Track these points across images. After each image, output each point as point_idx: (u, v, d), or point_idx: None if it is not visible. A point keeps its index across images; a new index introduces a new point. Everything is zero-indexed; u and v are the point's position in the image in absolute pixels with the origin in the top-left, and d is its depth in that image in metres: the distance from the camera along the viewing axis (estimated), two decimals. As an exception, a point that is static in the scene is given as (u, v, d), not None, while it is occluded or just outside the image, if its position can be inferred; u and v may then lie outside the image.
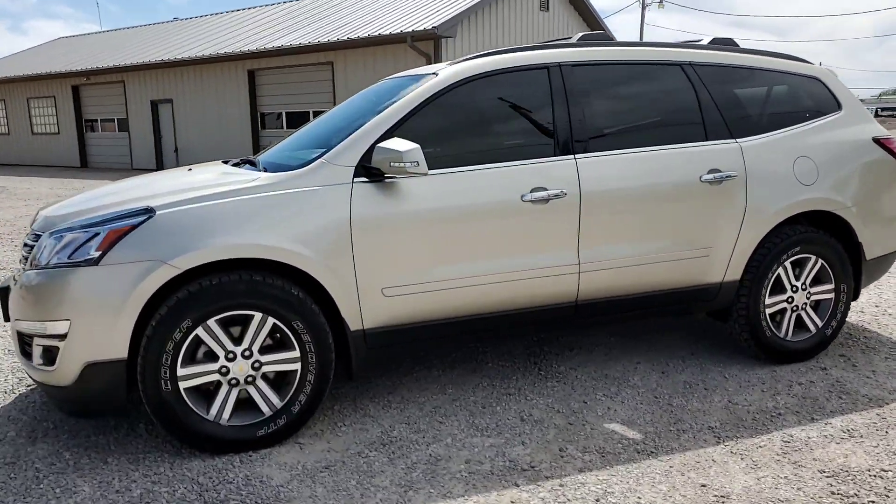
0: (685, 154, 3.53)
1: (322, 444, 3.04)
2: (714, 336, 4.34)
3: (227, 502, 2.59)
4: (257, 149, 18.27)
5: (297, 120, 17.43)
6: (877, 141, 3.98)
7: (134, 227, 2.76)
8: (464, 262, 3.16)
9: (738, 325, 3.77)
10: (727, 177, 3.56)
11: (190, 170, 3.60)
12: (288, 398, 2.97)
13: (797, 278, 3.81)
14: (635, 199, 3.42)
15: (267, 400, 2.96)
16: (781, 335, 3.82)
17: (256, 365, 2.92)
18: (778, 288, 3.78)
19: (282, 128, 17.88)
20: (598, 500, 2.56)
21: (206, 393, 2.92)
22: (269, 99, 18.03)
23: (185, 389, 2.83)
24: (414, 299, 3.12)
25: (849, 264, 3.89)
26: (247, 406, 2.98)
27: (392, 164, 2.89)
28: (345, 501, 2.59)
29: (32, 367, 2.89)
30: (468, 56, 3.48)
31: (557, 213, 3.27)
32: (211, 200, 2.87)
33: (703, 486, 2.66)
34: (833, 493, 2.59)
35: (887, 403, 3.35)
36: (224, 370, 2.88)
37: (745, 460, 2.84)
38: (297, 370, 2.97)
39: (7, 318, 3.20)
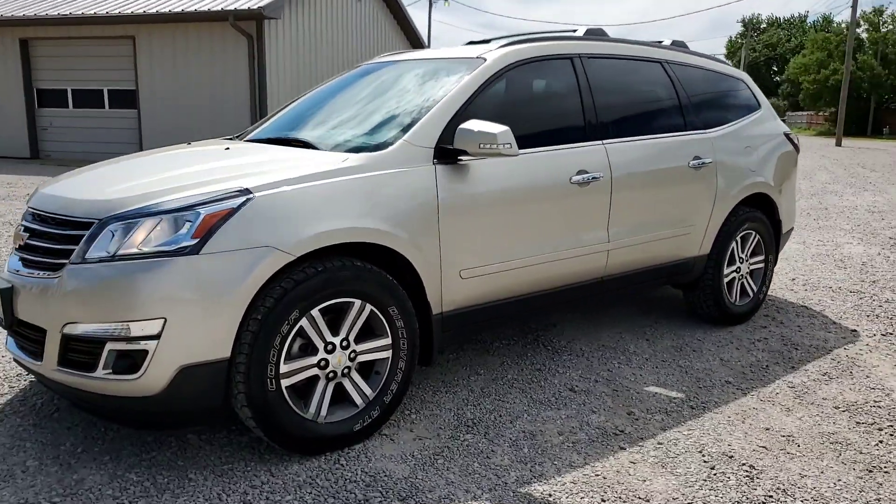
0: (677, 142, 3.95)
1: (406, 433, 2.95)
2: (658, 307, 4.87)
3: (368, 502, 2.44)
4: (33, 128, 15.90)
5: (89, 99, 15.49)
6: (786, 135, 4.77)
7: (234, 210, 2.46)
8: (525, 242, 3.26)
9: (704, 294, 4.31)
10: (705, 163, 4.05)
11: (227, 149, 3.21)
12: (380, 388, 2.85)
13: (742, 251, 4.45)
14: (647, 182, 3.76)
15: (360, 391, 2.81)
16: (733, 301, 4.44)
17: (352, 355, 2.75)
18: (731, 260, 4.39)
19: (68, 107, 15.76)
20: (700, 452, 2.85)
21: (298, 390, 2.69)
22: (49, 73, 15.74)
23: (286, 388, 2.59)
24: (485, 280, 3.15)
25: (773, 238, 4.62)
26: (334, 400, 2.79)
27: (483, 145, 2.88)
28: (486, 483, 2.58)
29: (91, 378, 2.44)
30: (502, 42, 3.54)
31: (595, 194, 3.50)
32: (308, 182, 2.64)
33: (767, 429, 3.07)
34: (858, 423, 3.16)
35: (830, 350, 4.08)
36: (323, 363, 2.68)
37: (776, 406, 3.32)
38: (388, 358, 2.85)
39: (9, 324, 2.65)
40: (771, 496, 2.54)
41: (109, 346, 2.38)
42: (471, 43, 4.21)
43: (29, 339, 2.65)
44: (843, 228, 8.33)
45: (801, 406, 3.32)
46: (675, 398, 3.37)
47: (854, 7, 27.88)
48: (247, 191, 2.51)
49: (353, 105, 3.57)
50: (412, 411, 3.16)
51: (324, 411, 2.71)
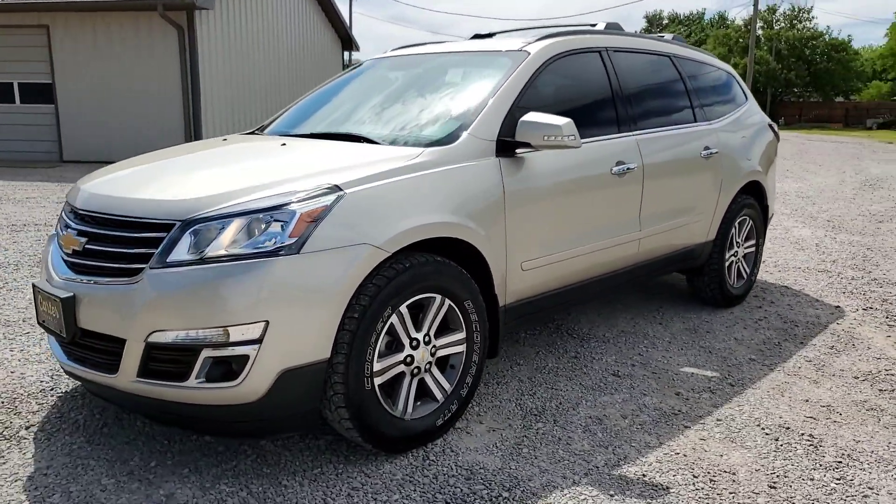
0: (691, 133, 4.12)
1: (478, 426, 2.96)
2: (658, 293, 5.05)
3: (476, 495, 2.44)
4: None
5: (-2, 93, 14.39)
6: (769, 125, 5.05)
7: (328, 207, 2.39)
8: (575, 233, 3.33)
9: (710, 278, 4.51)
10: (713, 153, 4.24)
11: (284, 144, 3.09)
12: (456, 381, 2.84)
13: (739, 236, 4.69)
14: (670, 173, 3.91)
15: (440, 386, 2.79)
16: (732, 284, 4.67)
17: (433, 350, 2.74)
18: (730, 245, 4.61)
19: (-29, 102, 14.58)
20: (759, 426, 3.01)
21: (385, 388, 2.65)
22: (-51, 66, 14.51)
23: (378, 386, 2.55)
24: (542, 271, 3.19)
25: (763, 222, 4.90)
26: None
27: (547, 137, 2.92)
28: (578, 468, 2.63)
29: (181, 388, 2.32)
30: (539, 35, 3.56)
31: (630, 185, 3.60)
32: (392, 178, 2.60)
33: (806, 401, 3.27)
34: (881, 390, 3.41)
35: (826, 325, 4.37)
36: (409, 359, 2.65)
37: (803, 379, 3.53)
38: (462, 352, 2.85)
39: (72, 335, 2.48)
40: (840, 462, 2.71)
41: (205, 353, 2.27)
42: (476, 36, 4.23)
43: (96, 350, 2.49)
44: (783, 213, 8.87)
45: (825, 378, 3.55)
46: (711, 377, 3.53)
47: (756, 4, 29.60)
48: (337, 187, 2.45)
49: (396, 99, 3.52)
50: (475, 404, 3.16)
51: (410, 408, 2.69)
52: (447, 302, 2.73)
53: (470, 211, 2.79)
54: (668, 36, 4.61)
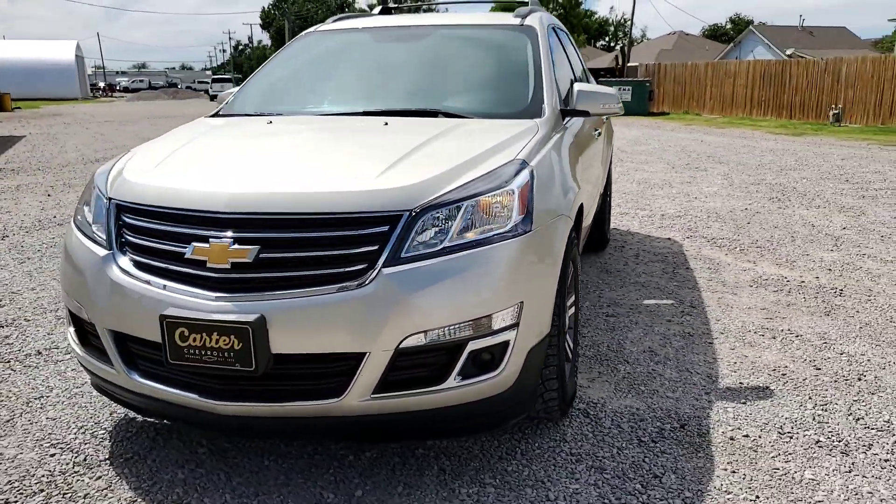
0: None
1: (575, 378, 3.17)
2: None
3: (665, 431, 2.69)
4: None
5: None
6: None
7: (531, 182, 2.36)
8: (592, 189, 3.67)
9: (598, 229, 5.21)
10: (599, 133, 4.90)
11: (386, 124, 2.73)
12: (573, 340, 3.00)
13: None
14: (591, 144, 4.44)
15: (570, 346, 2.93)
16: (606, 231, 5.47)
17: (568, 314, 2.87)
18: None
19: None
20: (750, 330, 3.75)
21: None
22: None
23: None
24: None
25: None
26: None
27: (604, 105, 3.18)
28: (693, 391, 3.03)
29: (433, 392, 2.12)
30: (528, 9, 3.73)
31: (599, 145, 4.04)
32: (542, 150, 2.62)
33: (749, 308, 4.13)
34: (775, 291, 4.47)
35: (682, 253, 5.41)
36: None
37: (723, 294, 4.41)
38: (573, 312, 3.01)
39: (265, 365, 2.07)
40: (825, 343, 3.59)
41: (470, 346, 2.11)
42: (384, 11, 4.22)
43: (297, 377, 2.09)
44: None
45: (736, 289, 4.50)
46: (671, 304, 4.21)
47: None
48: (525, 162, 2.42)
49: (433, 72, 3.39)
50: (545, 363, 3.33)
51: (568, 371, 2.78)
52: (571, 266, 2.87)
53: (577, 177, 2.94)
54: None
